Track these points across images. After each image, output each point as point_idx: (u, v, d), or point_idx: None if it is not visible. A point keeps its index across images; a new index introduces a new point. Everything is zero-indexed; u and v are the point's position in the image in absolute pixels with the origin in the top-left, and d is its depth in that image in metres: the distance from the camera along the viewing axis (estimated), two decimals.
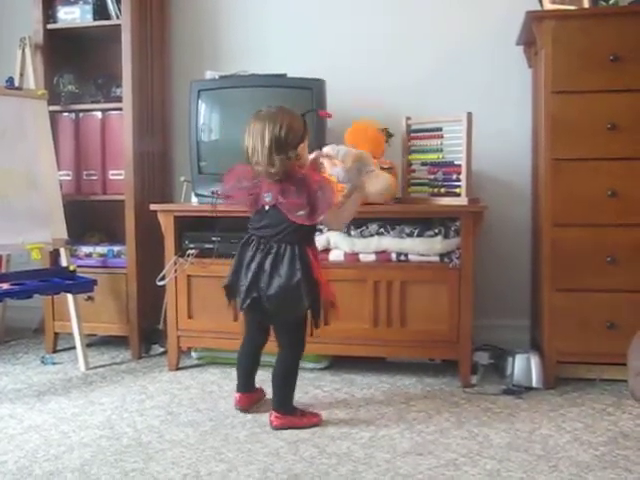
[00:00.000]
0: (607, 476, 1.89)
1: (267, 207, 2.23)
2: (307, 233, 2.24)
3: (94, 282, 2.94)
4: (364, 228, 2.74)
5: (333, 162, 2.35)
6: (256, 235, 2.26)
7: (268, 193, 2.22)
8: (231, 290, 2.31)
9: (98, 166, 3.21)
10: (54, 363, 3.05)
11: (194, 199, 3.03)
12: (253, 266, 2.22)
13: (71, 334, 3.04)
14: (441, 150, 2.80)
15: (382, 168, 2.72)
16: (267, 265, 2.20)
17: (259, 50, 3.33)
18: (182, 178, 3.15)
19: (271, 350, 2.35)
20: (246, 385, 2.43)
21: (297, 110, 2.27)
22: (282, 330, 2.30)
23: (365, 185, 2.37)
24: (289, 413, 2.27)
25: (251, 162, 2.22)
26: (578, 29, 2.54)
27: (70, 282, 2.91)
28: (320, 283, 2.21)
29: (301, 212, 2.16)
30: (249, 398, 2.43)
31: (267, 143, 2.15)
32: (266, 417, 2.30)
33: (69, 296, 2.98)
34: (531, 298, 3.11)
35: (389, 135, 2.84)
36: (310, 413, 2.31)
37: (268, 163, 2.16)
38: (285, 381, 2.29)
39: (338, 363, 2.93)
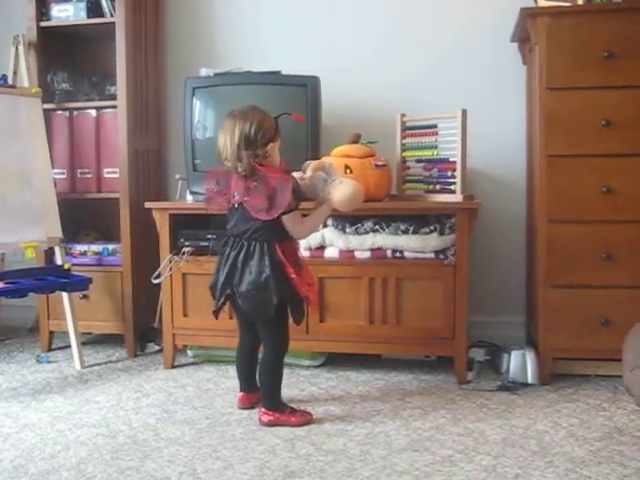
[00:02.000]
0: (602, 471, 1.90)
1: (236, 205, 2.27)
2: (274, 230, 2.23)
3: (89, 280, 2.94)
4: (359, 225, 2.74)
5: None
6: (231, 234, 2.30)
7: (236, 192, 2.25)
8: (214, 290, 2.33)
9: (93, 164, 3.20)
10: (49, 362, 3.05)
11: (189, 197, 3.02)
12: (228, 263, 2.26)
13: (66, 332, 3.04)
14: (436, 147, 2.80)
15: (376, 165, 2.72)
16: (239, 262, 2.24)
17: (254, 47, 3.33)
18: (177, 176, 3.15)
19: None
20: (247, 385, 2.44)
21: (293, 111, 2.30)
22: (262, 328, 2.31)
23: (330, 195, 2.28)
24: (277, 410, 2.27)
25: (221, 159, 2.24)
26: (572, 26, 2.54)
27: (65, 280, 2.90)
28: (292, 279, 2.21)
29: (260, 207, 2.18)
30: (250, 398, 2.43)
31: (236, 139, 2.18)
32: None
33: (64, 294, 2.97)
34: (526, 294, 3.12)
35: (372, 142, 2.82)
36: (301, 412, 2.31)
37: (236, 158, 2.18)
38: (269, 379, 2.29)
39: (333, 360, 2.93)
